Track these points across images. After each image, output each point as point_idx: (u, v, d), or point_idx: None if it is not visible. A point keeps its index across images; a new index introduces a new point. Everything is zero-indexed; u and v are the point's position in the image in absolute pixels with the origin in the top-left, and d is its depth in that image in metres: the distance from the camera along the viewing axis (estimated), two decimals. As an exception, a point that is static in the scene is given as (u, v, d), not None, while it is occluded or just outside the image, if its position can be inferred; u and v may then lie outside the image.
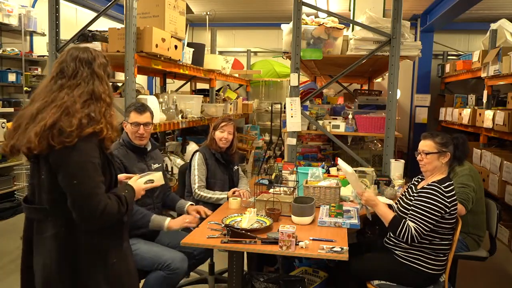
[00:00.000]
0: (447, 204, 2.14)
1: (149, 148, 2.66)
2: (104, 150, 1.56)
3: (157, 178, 1.95)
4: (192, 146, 5.38)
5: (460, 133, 2.40)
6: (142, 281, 2.32)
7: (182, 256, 2.36)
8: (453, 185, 2.24)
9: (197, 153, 3.05)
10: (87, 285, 1.52)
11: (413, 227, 2.14)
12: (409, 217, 2.17)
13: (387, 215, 2.23)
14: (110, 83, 1.67)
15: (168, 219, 2.38)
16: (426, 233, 2.15)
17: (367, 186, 3.04)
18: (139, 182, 1.79)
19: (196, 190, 2.94)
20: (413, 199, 2.24)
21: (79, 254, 1.51)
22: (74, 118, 1.46)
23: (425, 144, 2.29)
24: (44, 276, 1.50)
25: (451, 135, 2.36)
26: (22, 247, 1.61)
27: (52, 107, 1.48)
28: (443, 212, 2.14)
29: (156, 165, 2.68)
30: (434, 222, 2.14)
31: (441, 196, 2.14)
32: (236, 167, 3.25)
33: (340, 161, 2.63)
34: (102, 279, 1.54)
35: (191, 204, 2.71)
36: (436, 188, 2.16)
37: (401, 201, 2.40)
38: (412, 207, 2.19)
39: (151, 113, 2.64)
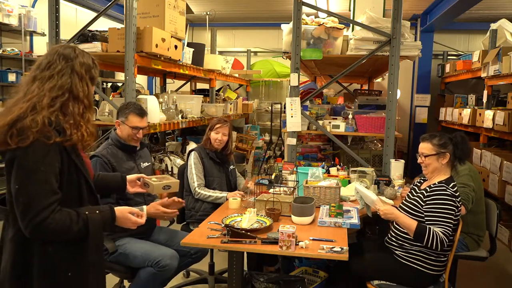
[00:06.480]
0: (457, 204, 2.16)
1: (138, 146, 2.66)
2: (72, 156, 1.41)
3: (175, 185, 1.92)
4: (192, 146, 5.37)
5: (458, 132, 2.38)
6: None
7: (172, 253, 2.38)
8: (456, 185, 2.25)
9: (193, 152, 3.07)
10: None
11: (440, 231, 2.10)
12: (430, 223, 2.14)
13: (410, 226, 2.16)
14: (94, 87, 1.56)
15: (144, 208, 2.08)
16: (451, 234, 2.14)
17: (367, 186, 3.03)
18: (124, 212, 1.60)
19: (196, 189, 2.95)
20: (423, 203, 2.20)
21: (32, 261, 1.41)
22: (39, 116, 1.33)
23: (424, 147, 2.30)
24: (0, 279, 1.44)
25: (449, 135, 2.34)
26: None
27: (22, 102, 1.37)
28: (456, 210, 2.15)
29: (146, 164, 2.69)
30: (453, 221, 2.14)
31: (451, 196, 2.15)
32: (232, 167, 3.26)
33: (358, 186, 2.49)
34: None
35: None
36: (445, 188, 2.17)
37: (404, 201, 2.39)
38: (428, 213, 2.16)
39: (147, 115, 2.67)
